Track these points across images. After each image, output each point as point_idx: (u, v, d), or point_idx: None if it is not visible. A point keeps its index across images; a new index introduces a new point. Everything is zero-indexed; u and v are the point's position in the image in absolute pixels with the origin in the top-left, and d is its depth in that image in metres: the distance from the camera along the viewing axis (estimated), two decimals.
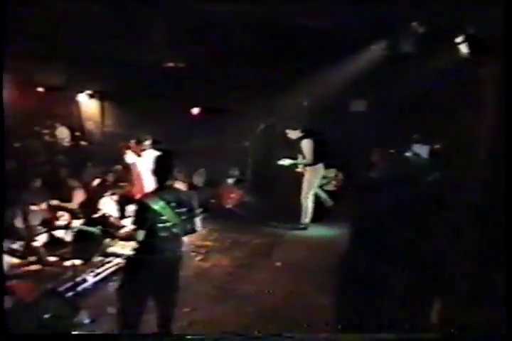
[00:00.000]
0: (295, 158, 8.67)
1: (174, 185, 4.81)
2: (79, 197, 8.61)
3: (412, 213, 3.83)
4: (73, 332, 4.98)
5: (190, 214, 4.57)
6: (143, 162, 7.32)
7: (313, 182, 8.67)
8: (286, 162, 8.65)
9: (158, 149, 5.49)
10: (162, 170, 4.54)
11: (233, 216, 9.35)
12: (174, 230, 4.41)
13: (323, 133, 8.71)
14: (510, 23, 3.42)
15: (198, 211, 5.09)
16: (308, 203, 8.62)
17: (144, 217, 4.32)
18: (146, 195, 4.62)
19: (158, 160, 4.55)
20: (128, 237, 6.31)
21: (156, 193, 4.47)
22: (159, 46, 9.93)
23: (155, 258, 4.36)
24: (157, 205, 4.32)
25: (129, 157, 7.71)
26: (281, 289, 6.08)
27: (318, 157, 8.50)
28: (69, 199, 8.55)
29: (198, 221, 4.68)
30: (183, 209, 4.48)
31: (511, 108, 3.41)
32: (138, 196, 5.93)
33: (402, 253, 3.93)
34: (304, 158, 8.54)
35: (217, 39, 9.41)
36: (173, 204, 4.40)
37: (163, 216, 4.34)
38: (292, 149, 8.79)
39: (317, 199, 8.87)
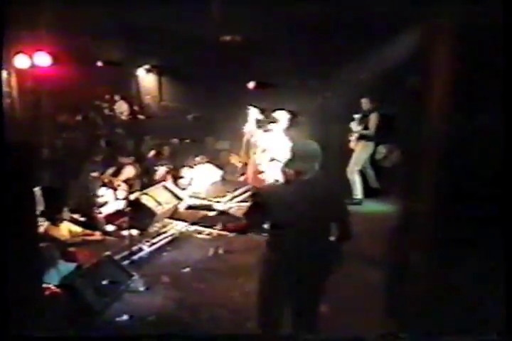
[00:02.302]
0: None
1: None
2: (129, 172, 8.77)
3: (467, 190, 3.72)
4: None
5: None
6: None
7: (361, 159, 8.57)
8: (355, 124, 8.51)
9: None
10: None
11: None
12: None
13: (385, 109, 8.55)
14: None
15: None
16: (355, 178, 8.53)
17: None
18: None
19: None
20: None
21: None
22: (216, 19, 9.90)
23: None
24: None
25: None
26: None
27: (379, 133, 8.38)
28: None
29: None
30: None
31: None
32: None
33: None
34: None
35: (273, 13, 9.30)
36: None
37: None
38: (347, 124, 8.68)
39: (365, 177, 8.76)
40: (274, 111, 7.67)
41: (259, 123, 7.72)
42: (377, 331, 3.46)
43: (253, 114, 7.63)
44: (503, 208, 3.28)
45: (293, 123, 7.56)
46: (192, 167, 8.91)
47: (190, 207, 7.79)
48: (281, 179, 7.21)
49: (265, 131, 7.58)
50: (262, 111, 7.71)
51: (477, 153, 3.67)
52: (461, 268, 3.44)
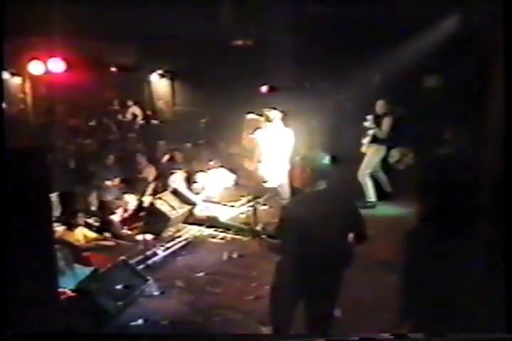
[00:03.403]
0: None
1: None
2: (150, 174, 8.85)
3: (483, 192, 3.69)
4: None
5: None
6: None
7: (373, 162, 8.53)
8: (369, 123, 8.45)
9: None
10: None
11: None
12: None
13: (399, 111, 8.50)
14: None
15: None
16: (366, 181, 8.49)
17: None
18: None
19: None
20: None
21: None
22: (227, 24, 9.95)
23: None
24: None
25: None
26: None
27: (392, 136, 8.33)
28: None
29: None
30: None
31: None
32: None
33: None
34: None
35: (285, 16, 9.33)
36: None
37: None
38: (360, 128, 8.65)
39: (377, 181, 8.72)
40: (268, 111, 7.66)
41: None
42: (389, 331, 3.45)
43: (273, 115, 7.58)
44: (504, 208, 3.26)
45: (286, 122, 7.52)
46: (205, 171, 8.93)
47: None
48: (286, 190, 7.26)
49: (263, 131, 7.55)
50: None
51: (486, 154, 3.65)
52: (461, 268, 3.43)
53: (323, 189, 3.95)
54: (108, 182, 8.13)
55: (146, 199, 7.85)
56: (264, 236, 4.23)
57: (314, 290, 3.99)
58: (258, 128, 7.58)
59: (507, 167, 3.18)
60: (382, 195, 8.58)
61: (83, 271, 5.40)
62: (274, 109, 7.58)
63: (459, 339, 3.16)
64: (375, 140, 8.46)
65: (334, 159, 4.09)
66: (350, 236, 4.01)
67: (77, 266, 5.51)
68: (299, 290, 3.98)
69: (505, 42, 3.18)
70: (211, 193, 8.59)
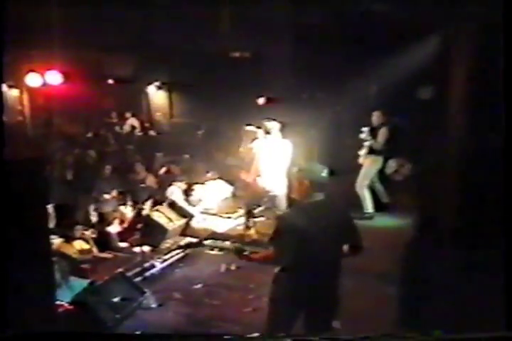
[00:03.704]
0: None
1: None
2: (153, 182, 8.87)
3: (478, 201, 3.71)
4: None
5: None
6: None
7: (370, 173, 8.53)
8: (365, 135, 8.44)
9: None
10: None
11: None
12: None
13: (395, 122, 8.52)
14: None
15: None
16: (364, 193, 8.49)
17: None
18: None
19: None
20: None
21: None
22: (225, 36, 10.01)
23: None
24: None
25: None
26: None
27: (388, 147, 8.34)
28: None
29: None
30: None
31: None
32: None
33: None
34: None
35: (283, 28, 9.40)
36: None
37: None
38: (357, 138, 8.66)
39: (374, 192, 8.72)
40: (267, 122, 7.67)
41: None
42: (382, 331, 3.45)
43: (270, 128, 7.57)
44: (504, 208, 3.27)
45: (284, 133, 7.53)
46: (203, 183, 8.92)
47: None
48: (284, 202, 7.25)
49: (261, 142, 7.56)
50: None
51: (483, 162, 3.66)
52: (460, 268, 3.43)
53: (320, 200, 3.95)
54: (106, 196, 8.12)
55: (145, 210, 7.82)
56: (248, 252, 4.16)
57: (312, 302, 3.98)
58: (256, 139, 7.58)
59: (506, 175, 3.20)
60: (379, 206, 8.58)
61: (80, 284, 5.38)
62: (274, 120, 7.59)
63: (459, 338, 3.15)
64: (371, 151, 8.48)
65: (332, 171, 4.07)
66: (345, 247, 4.01)
67: (73, 278, 5.48)
68: (297, 301, 3.96)
69: (505, 42, 3.19)
70: (209, 205, 8.58)
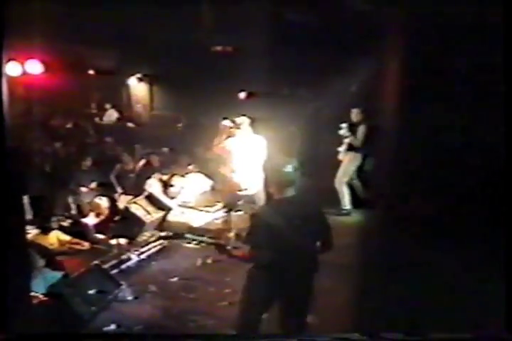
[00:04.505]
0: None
1: None
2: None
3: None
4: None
5: None
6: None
7: (349, 170, 8.59)
8: (343, 131, 8.46)
9: None
10: None
11: None
12: None
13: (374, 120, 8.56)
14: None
15: None
16: (342, 189, 8.55)
17: None
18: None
19: None
20: None
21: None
22: (207, 30, 9.97)
23: None
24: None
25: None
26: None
27: (367, 144, 8.39)
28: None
29: None
30: None
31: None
32: None
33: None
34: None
35: (264, 23, 9.37)
36: None
37: None
38: (337, 135, 8.70)
39: (353, 188, 8.78)
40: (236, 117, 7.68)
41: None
42: (365, 330, 3.48)
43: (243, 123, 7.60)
44: (503, 208, 3.32)
45: (260, 129, 7.56)
46: (183, 176, 8.91)
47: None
48: (261, 197, 7.28)
49: (233, 138, 7.59)
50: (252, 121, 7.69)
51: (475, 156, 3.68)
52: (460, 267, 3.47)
53: (292, 196, 3.98)
54: (83, 189, 8.08)
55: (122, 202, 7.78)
56: (231, 247, 4.18)
57: (287, 297, 4.01)
58: (229, 136, 7.61)
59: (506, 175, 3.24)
60: (357, 202, 8.64)
61: (54, 275, 5.34)
62: (243, 115, 7.62)
63: (459, 338, 3.20)
64: (351, 148, 8.53)
65: (300, 166, 4.07)
66: (317, 243, 4.05)
67: (48, 270, 5.45)
68: (270, 296, 4.00)
69: (505, 43, 3.22)
70: (187, 198, 8.58)
